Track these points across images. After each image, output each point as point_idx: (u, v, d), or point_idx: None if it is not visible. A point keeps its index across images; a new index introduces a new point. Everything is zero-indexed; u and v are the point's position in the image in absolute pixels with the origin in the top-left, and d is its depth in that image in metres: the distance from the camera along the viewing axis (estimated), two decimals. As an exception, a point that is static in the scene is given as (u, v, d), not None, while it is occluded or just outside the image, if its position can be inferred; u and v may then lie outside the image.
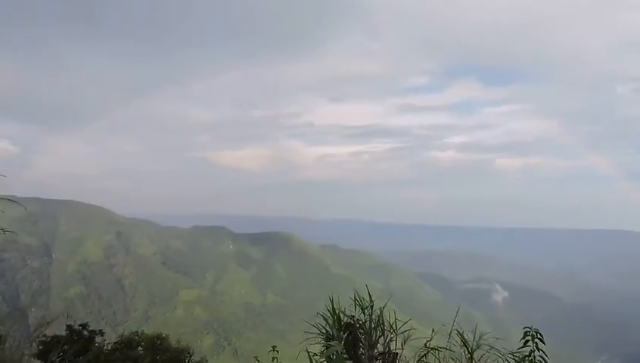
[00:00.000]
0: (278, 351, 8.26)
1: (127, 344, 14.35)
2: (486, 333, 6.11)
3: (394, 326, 6.19)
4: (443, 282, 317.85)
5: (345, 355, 5.23)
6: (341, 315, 6.11)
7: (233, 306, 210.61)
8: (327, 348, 5.59)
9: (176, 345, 14.35)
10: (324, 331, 6.01)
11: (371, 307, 6.16)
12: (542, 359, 5.36)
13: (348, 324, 6.03)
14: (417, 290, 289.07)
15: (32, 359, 15.01)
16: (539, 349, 5.38)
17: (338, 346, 5.24)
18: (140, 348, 14.35)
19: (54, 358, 14.80)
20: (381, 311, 6.21)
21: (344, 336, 5.82)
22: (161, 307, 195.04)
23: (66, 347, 15.30)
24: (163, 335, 15.03)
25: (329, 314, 6.13)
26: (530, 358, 5.34)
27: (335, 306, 6.16)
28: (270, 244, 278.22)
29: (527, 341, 5.46)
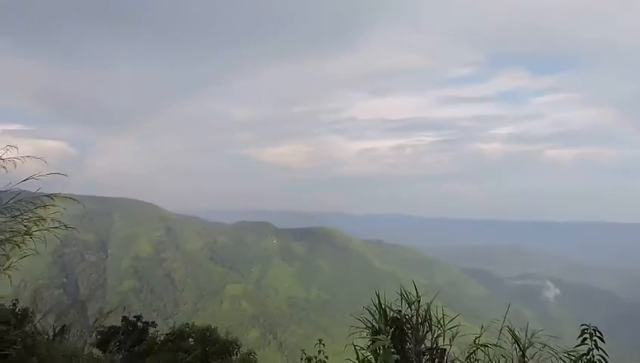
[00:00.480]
0: (324, 344, 8.32)
1: (179, 335, 14.91)
2: (539, 331, 5.90)
3: (442, 322, 6.09)
4: (490, 278, 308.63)
5: (392, 350, 5.14)
6: (387, 310, 6.08)
7: (277, 301, 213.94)
8: (373, 342, 5.55)
9: (225, 337, 14.74)
10: (370, 325, 5.97)
11: (418, 302, 6.10)
12: (601, 358, 5.01)
13: (395, 319, 6.00)
14: (464, 286, 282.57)
15: (93, 348, 15.99)
16: (597, 348, 5.05)
17: (385, 340, 5.17)
18: (191, 339, 14.81)
19: (112, 348, 15.71)
20: (428, 307, 6.15)
21: (391, 330, 5.76)
22: (209, 300, 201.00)
23: (122, 337, 16.20)
24: (213, 327, 15.49)
25: (375, 309, 6.10)
26: (588, 357, 5.03)
27: (381, 301, 6.13)
28: (313, 239, 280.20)
29: (585, 339, 5.15)
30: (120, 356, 14.58)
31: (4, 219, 5.70)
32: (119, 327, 16.76)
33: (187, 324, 17.09)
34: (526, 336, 5.80)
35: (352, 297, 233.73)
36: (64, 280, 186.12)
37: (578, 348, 5.23)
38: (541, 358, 5.54)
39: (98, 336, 16.28)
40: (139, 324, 17.19)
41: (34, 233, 5.91)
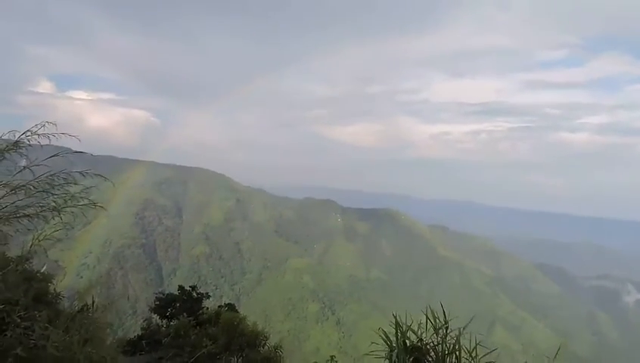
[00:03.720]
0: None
1: (207, 321, 14.96)
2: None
3: (473, 354, 5.05)
4: (565, 276, 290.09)
5: None
6: (408, 334, 5.22)
7: (338, 278, 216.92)
8: None
9: (252, 329, 14.18)
10: (386, 352, 5.20)
11: (446, 329, 5.20)
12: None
13: (415, 347, 5.17)
14: (534, 282, 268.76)
15: (151, 313, 17.44)
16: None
17: None
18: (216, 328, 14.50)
19: (167, 314, 17.00)
20: (459, 334, 5.19)
21: (410, 360, 5.04)
22: (272, 271, 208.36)
23: (178, 304, 17.42)
24: (242, 316, 15.03)
25: (394, 332, 5.22)
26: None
27: (402, 322, 5.21)
28: (377, 220, 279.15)
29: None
30: (173, 323, 15.47)
31: (34, 193, 6.04)
32: (176, 294, 17.97)
33: (220, 307, 17.41)
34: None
35: (413, 281, 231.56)
36: (144, 241, 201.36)
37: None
38: None
39: (157, 302, 17.70)
40: (194, 294, 18.21)
41: (65, 209, 6.25)
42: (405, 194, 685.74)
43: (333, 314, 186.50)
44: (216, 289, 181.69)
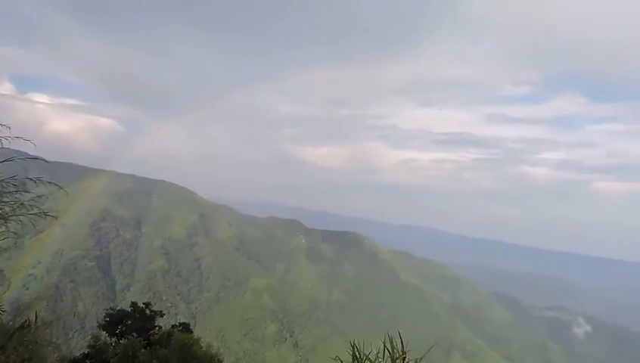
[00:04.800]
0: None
1: (158, 342, 14.50)
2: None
3: None
4: (518, 306, 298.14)
5: None
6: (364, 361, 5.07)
7: (299, 299, 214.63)
8: None
9: (205, 350, 13.73)
10: None
11: (403, 359, 5.09)
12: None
13: None
14: (489, 310, 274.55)
15: (100, 330, 16.63)
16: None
17: None
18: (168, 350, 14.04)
19: (116, 331, 16.25)
20: None
21: None
22: (232, 290, 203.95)
23: (129, 322, 16.69)
24: (195, 337, 14.59)
25: (351, 360, 5.11)
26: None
27: (359, 351, 5.11)
28: (342, 243, 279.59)
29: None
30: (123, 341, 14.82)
31: None
32: (128, 311, 17.22)
33: (174, 326, 16.91)
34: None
35: (374, 305, 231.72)
36: (98, 252, 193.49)
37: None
38: None
39: (106, 319, 16.93)
40: (147, 311, 17.55)
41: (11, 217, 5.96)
42: (370, 218, 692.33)
43: (291, 336, 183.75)
44: (172, 306, 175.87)
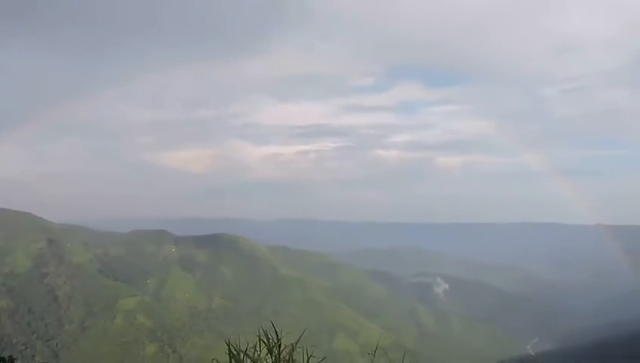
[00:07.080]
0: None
1: None
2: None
3: None
4: (391, 279, 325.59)
5: None
6: (245, 359, 5.14)
7: (177, 312, 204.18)
8: None
9: None
10: None
11: (279, 346, 5.27)
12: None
13: None
14: (366, 288, 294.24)
15: None
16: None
17: None
18: None
19: None
20: (292, 350, 5.31)
21: None
22: (99, 317, 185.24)
23: None
24: None
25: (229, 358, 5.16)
26: None
27: (236, 347, 5.21)
28: (216, 247, 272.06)
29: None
30: None
31: None
32: None
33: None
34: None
35: (257, 304, 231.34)
36: None
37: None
38: None
39: None
40: None
41: None
42: (244, 218, 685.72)
43: (174, 351, 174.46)
44: (26, 348, 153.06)
